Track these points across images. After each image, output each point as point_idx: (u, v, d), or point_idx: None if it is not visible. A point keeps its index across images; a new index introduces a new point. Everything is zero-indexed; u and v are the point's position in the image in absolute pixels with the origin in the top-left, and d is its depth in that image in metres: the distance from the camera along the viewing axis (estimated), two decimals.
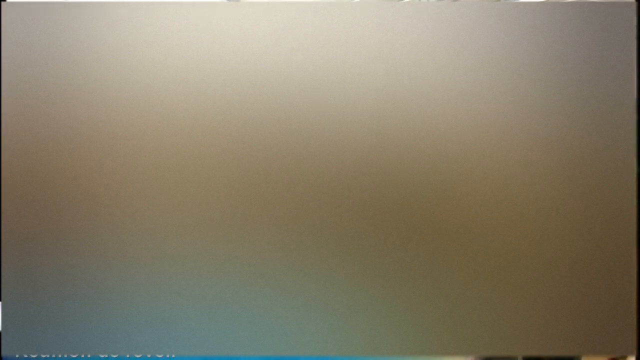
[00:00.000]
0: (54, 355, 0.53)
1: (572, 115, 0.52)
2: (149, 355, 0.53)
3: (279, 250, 0.52)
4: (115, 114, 0.52)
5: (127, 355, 0.53)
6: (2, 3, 0.54)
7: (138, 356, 0.53)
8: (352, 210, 0.52)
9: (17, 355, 0.54)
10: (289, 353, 0.53)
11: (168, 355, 0.53)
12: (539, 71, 0.52)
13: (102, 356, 0.53)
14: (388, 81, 0.52)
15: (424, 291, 0.52)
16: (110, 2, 0.53)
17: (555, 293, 0.53)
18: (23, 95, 0.53)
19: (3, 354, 0.53)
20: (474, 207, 0.52)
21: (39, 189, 0.52)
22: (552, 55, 0.52)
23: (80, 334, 0.53)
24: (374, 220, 0.52)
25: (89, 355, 0.53)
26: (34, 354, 0.53)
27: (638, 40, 0.53)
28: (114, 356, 0.53)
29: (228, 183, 0.52)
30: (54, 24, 0.53)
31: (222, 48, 0.52)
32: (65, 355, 0.53)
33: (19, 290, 0.53)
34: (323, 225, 0.52)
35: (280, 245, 0.52)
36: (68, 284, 0.53)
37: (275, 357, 0.54)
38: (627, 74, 0.52)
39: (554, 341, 0.53)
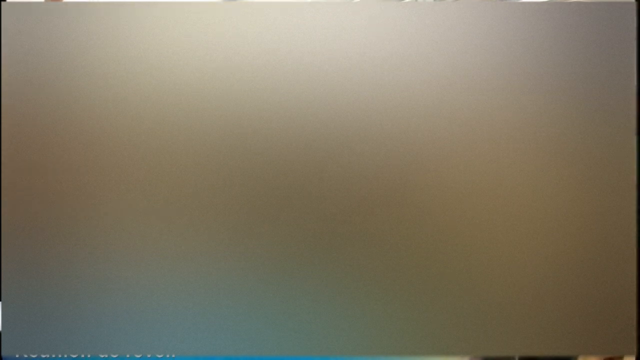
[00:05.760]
0: (54, 355, 0.53)
1: (572, 115, 0.52)
2: (149, 355, 0.53)
3: (279, 250, 0.52)
4: (115, 114, 0.52)
5: (127, 355, 0.53)
6: (2, 3, 0.54)
7: (138, 356, 0.53)
8: (351, 210, 0.52)
9: (17, 355, 0.54)
10: (289, 353, 0.53)
11: (168, 355, 0.53)
12: (539, 71, 0.52)
13: (102, 356, 0.53)
14: (388, 81, 0.52)
15: (422, 291, 0.52)
16: (110, 2, 0.53)
17: (554, 293, 0.53)
18: (23, 95, 0.53)
19: (3, 354, 0.53)
20: (473, 206, 0.52)
21: (39, 189, 0.52)
22: (552, 55, 0.52)
23: (81, 334, 0.53)
24: (374, 220, 0.52)
25: (89, 355, 0.53)
26: (34, 354, 0.53)
27: (638, 40, 0.53)
28: (114, 356, 0.53)
29: (229, 183, 0.52)
30: (54, 24, 0.53)
31: (220, 48, 0.52)
32: (65, 355, 0.53)
33: (19, 290, 0.53)
34: (323, 225, 0.52)
35: (280, 245, 0.52)
36: (68, 284, 0.53)
37: (275, 357, 0.54)
38: (627, 74, 0.52)
39: (553, 341, 0.53)
